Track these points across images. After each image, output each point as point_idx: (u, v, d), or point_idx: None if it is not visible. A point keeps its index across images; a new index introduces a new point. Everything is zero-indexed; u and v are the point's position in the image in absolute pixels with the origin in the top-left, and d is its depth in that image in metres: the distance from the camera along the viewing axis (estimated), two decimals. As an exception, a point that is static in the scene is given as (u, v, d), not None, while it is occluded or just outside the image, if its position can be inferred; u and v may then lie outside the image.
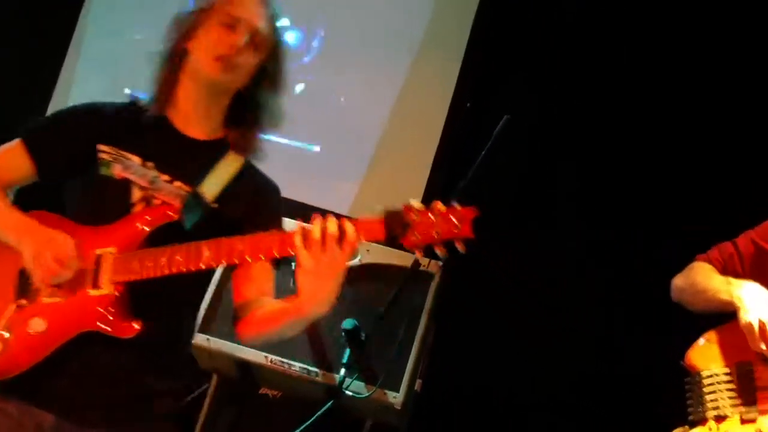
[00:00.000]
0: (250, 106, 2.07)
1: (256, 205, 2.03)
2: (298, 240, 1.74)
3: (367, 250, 3.12)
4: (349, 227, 1.72)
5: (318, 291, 1.76)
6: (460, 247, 1.72)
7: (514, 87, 4.04)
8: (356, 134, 4.25)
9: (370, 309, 3.00)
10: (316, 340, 3.04)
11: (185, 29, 2.03)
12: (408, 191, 4.12)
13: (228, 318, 2.98)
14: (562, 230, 3.84)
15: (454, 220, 1.70)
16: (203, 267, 1.82)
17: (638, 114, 3.86)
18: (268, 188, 2.11)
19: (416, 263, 2.99)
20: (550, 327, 3.70)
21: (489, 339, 3.71)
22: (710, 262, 2.50)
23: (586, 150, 3.92)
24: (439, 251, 1.72)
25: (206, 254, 1.82)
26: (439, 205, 1.72)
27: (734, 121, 3.71)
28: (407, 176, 4.17)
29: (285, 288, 2.04)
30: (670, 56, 3.85)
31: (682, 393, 2.35)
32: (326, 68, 4.38)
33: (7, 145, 2.03)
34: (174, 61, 2.03)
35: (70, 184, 2.03)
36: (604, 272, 3.72)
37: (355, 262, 3.11)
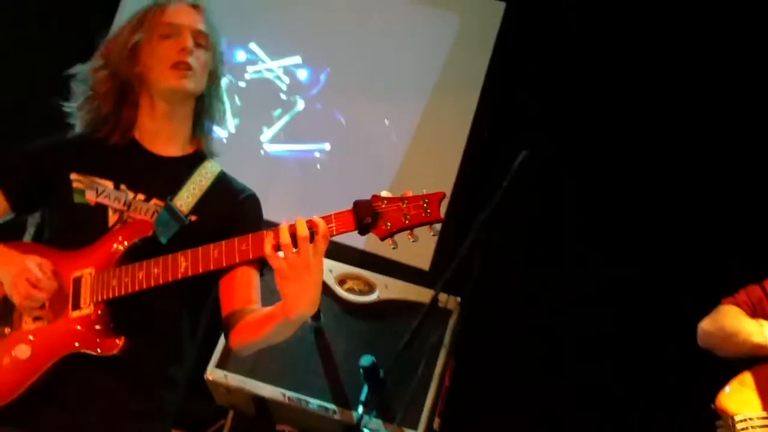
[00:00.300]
0: (211, 109, 2.10)
1: (234, 213, 2.02)
2: (267, 248, 1.72)
3: (386, 286, 3.11)
4: (320, 222, 1.70)
5: (299, 292, 1.73)
6: (431, 231, 1.71)
7: (531, 120, 4.04)
8: (374, 166, 4.25)
9: (387, 345, 2.98)
10: (333, 377, 3.02)
11: (123, 56, 2.04)
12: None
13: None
14: (580, 266, 3.81)
15: (423, 204, 1.70)
16: (181, 277, 1.82)
17: (656, 149, 3.85)
18: (246, 195, 2.10)
19: (435, 299, 2.97)
20: (569, 363, 3.66)
21: (508, 376, 3.67)
22: (738, 305, 2.46)
23: (601, 185, 3.90)
24: (410, 238, 1.72)
25: (183, 264, 1.81)
26: (409, 192, 1.72)
27: (750, 165, 3.69)
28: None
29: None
30: (687, 95, 3.84)
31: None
32: (345, 102, 4.40)
33: None
34: (126, 89, 2.04)
35: (47, 215, 2.05)
36: (623, 309, 3.69)
37: (373, 298, 3.09)
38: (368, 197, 1.73)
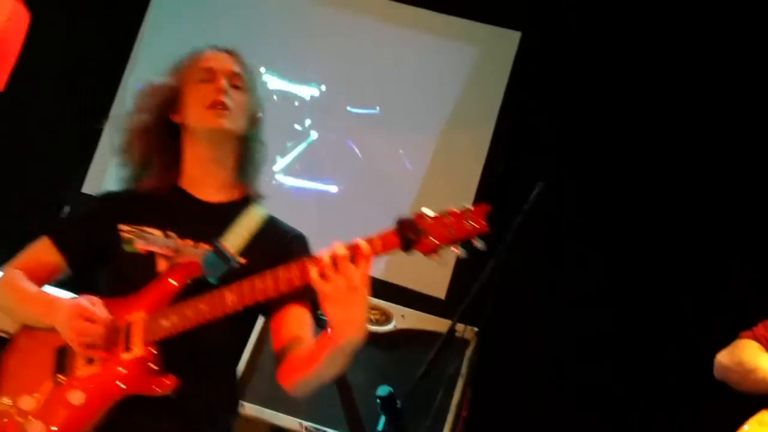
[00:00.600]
0: (253, 152, 2.12)
1: (282, 253, 2.01)
2: (313, 272, 1.72)
3: (402, 316, 3.12)
4: (361, 242, 1.70)
5: (345, 317, 1.71)
6: (477, 245, 1.71)
7: (547, 151, 4.05)
8: (389, 197, 4.27)
9: (404, 376, 2.97)
10: (350, 407, 3.01)
11: (161, 104, 2.08)
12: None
13: (264, 383, 3.00)
14: (598, 298, 3.80)
15: (468, 218, 1.71)
16: (229, 311, 1.83)
17: (671, 180, 3.86)
18: (293, 236, 2.12)
19: (451, 329, 2.97)
20: (587, 396, 3.64)
21: (525, 407, 3.65)
22: (757, 339, 2.42)
23: (618, 215, 3.91)
24: (455, 251, 1.71)
25: (229, 298, 1.83)
26: (452, 208, 1.73)
27: (750, 165, 3.70)
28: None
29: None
30: (700, 126, 3.86)
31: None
32: (360, 132, 4.43)
33: (35, 245, 2.09)
34: (168, 136, 2.09)
35: (101, 271, 2.07)
36: (641, 343, 3.67)
37: (390, 327, 3.09)
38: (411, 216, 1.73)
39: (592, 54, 4.10)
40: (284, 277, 1.79)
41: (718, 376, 2.49)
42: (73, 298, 1.93)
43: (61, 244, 2.07)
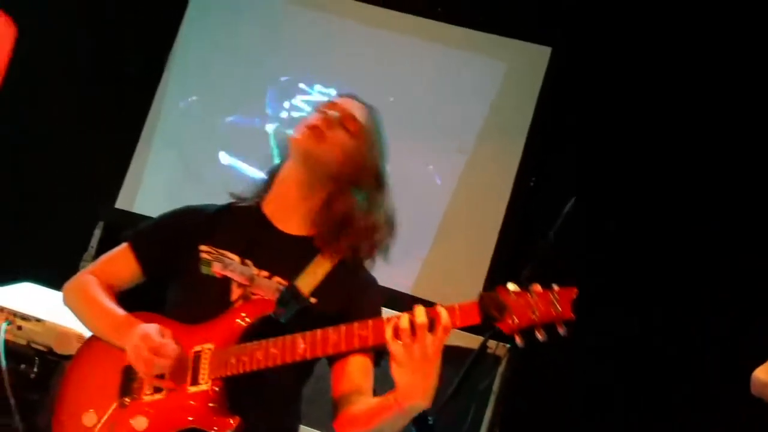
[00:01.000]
0: (343, 204, 2.03)
1: (353, 298, 2.00)
2: (388, 333, 1.70)
3: (434, 332, 3.10)
4: (442, 312, 1.68)
5: (414, 382, 1.70)
6: (561, 330, 1.65)
7: (577, 165, 4.04)
8: (419, 211, 4.26)
9: (436, 392, 2.95)
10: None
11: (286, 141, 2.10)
12: (472, 269, 4.12)
13: (308, 403, 2.98)
14: (636, 314, 3.76)
15: (554, 301, 1.65)
16: (298, 359, 1.81)
17: (703, 193, 3.83)
18: (366, 281, 2.08)
19: (483, 345, 2.95)
20: (621, 413, 3.60)
21: (558, 424, 3.62)
22: None
23: (650, 228, 3.88)
24: (539, 335, 1.66)
25: (301, 346, 1.80)
26: (537, 287, 1.66)
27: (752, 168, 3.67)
28: (471, 254, 4.17)
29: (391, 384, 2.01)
30: (734, 141, 3.83)
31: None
32: (390, 146, 4.43)
33: (115, 250, 2.10)
34: (278, 159, 2.12)
35: (171, 284, 2.07)
36: (675, 359, 3.63)
37: (422, 343, 3.08)
38: (495, 290, 1.68)
39: (622, 68, 4.09)
40: (358, 334, 1.77)
41: (755, 392, 2.45)
42: (144, 326, 1.90)
43: (140, 254, 2.06)
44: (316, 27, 4.65)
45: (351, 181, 2.03)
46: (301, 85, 4.56)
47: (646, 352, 3.68)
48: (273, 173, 2.10)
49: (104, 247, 4.39)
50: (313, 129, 1.99)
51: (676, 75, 4.00)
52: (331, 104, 2.07)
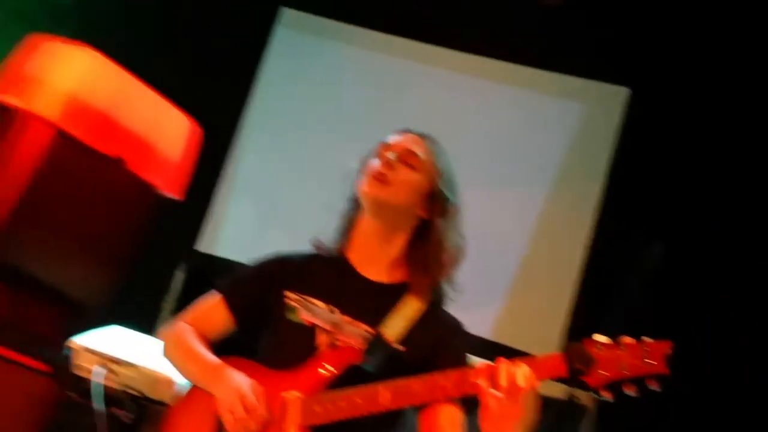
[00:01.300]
0: (424, 240, 2.06)
1: (440, 344, 1.99)
2: (483, 383, 1.69)
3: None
4: (522, 366, 1.66)
5: None
6: (653, 385, 1.61)
7: (657, 213, 3.95)
8: (494, 257, 4.21)
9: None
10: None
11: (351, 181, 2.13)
12: (551, 314, 4.05)
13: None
14: (730, 359, 3.64)
15: (646, 354, 1.61)
16: (383, 409, 1.81)
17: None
18: (453, 328, 2.07)
19: (570, 395, 2.89)
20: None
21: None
22: None
23: (735, 271, 3.76)
24: (628, 390, 1.62)
25: (385, 397, 1.80)
26: (627, 339, 1.63)
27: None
28: (549, 299, 4.10)
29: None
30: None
31: None
32: (463, 189, 4.41)
33: (207, 301, 2.13)
34: (351, 208, 2.13)
35: (262, 332, 2.09)
36: None
37: (505, 392, 3.02)
38: (581, 341, 1.66)
39: (701, 110, 4.01)
40: (441, 385, 1.77)
41: None
42: (239, 381, 1.92)
43: (232, 305, 2.09)
44: (390, 73, 4.68)
45: (425, 214, 2.05)
46: (376, 129, 4.57)
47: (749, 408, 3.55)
48: (350, 219, 2.12)
49: (187, 290, 4.49)
50: (376, 176, 2.02)
51: (762, 114, 3.90)
52: (388, 145, 2.09)
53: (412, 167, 2.05)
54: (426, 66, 4.64)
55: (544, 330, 3.97)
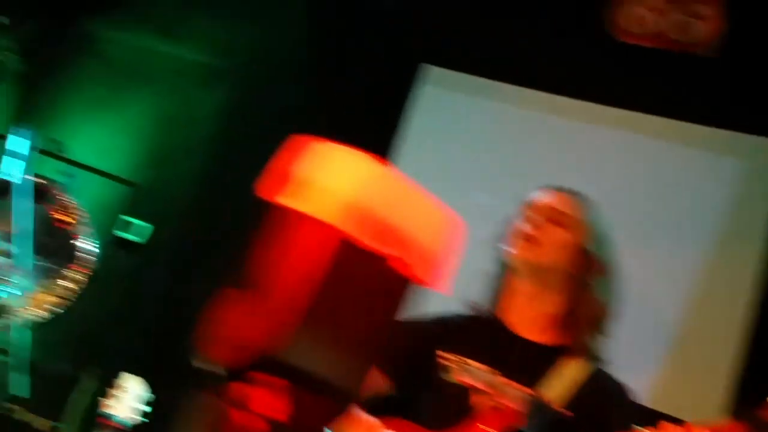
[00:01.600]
0: (580, 299, 2.03)
1: (604, 412, 1.94)
2: None
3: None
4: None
5: None
6: None
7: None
8: (650, 321, 4.05)
9: None
10: None
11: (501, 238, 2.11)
12: (711, 380, 3.86)
13: None
14: None
15: None
16: None
17: None
18: (619, 393, 2.03)
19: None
20: None
21: None
22: None
23: None
24: None
25: None
26: None
27: None
28: (710, 363, 3.91)
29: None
30: None
31: None
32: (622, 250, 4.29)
33: None
34: (502, 269, 2.11)
35: (416, 391, 2.09)
36: None
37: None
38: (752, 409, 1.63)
39: None
40: None
41: None
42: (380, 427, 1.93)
43: (388, 371, 2.09)
44: (535, 129, 4.62)
45: (580, 273, 2.03)
46: (524, 186, 4.52)
47: None
48: (499, 280, 2.09)
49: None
50: (527, 239, 2.00)
51: None
52: (536, 206, 2.07)
53: (561, 225, 2.03)
54: (580, 123, 4.56)
55: (703, 397, 3.80)
